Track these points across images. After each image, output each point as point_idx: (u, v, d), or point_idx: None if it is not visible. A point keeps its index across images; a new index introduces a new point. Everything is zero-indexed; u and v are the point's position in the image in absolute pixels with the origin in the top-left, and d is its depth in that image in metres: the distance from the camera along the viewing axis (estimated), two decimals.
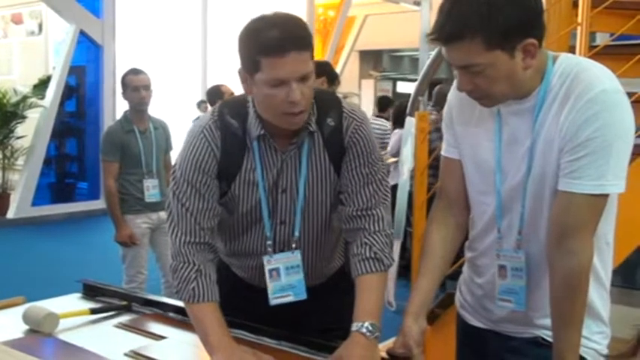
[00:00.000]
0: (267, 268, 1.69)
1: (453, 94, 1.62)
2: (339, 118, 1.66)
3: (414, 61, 17.77)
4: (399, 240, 4.74)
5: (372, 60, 17.55)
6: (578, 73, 1.39)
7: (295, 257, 1.70)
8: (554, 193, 1.42)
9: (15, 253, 6.65)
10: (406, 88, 16.83)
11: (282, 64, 1.47)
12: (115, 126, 3.96)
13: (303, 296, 1.69)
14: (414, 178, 3.37)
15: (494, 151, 1.51)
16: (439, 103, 5.27)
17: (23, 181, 8.24)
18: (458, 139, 1.61)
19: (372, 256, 1.61)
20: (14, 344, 1.62)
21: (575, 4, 2.66)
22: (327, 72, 3.68)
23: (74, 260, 6.16)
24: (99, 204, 8.77)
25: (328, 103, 1.68)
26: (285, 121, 1.56)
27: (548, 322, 1.48)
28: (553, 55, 1.45)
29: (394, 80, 18.16)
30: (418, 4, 11.50)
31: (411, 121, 4.79)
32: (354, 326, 1.53)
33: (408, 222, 4.95)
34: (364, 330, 1.51)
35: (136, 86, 3.84)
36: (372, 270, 1.61)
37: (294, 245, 1.70)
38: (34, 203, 8.27)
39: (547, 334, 1.51)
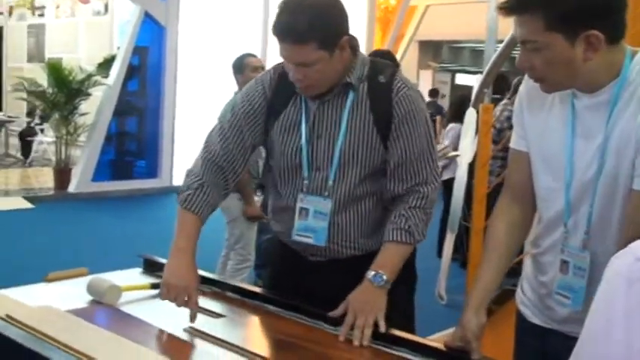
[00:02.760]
0: (298, 205, 1.80)
1: (524, 85, 1.60)
2: (390, 78, 1.75)
3: (475, 53, 17.52)
4: (454, 233, 4.69)
5: (432, 50, 17.37)
6: None
7: (326, 204, 1.78)
8: (627, 194, 1.38)
9: (76, 226, 6.86)
10: (465, 80, 16.60)
11: (282, 47, 1.67)
12: None
13: (322, 243, 1.79)
14: (475, 171, 3.32)
15: (566, 144, 1.47)
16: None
17: (85, 157, 8.45)
18: (527, 131, 1.58)
19: (406, 228, 1.72)
20: (78, 313, 1.67)
21: None
22: (388, 60, 3.68)
23: (132, 235, 6.31)
24: (156, 182, 8.98)
25: (385, 66, 1.80)
26: (299, 89, 1.74)
27: None
28: (632, 51, 1.41)
29: (453, 72, 17.94)
30: None
31: (472, 113, 4.72)
32: (366, 274, 1.68)
33: (464, 216, 4.90)
34: (372, 278, 1.68)
35: (255, 66, 4.08)
36: (401, 240, 1.72)
37: (326, 193, 1.77)
38: (94, 179, 8.48)
39: None
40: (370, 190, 1.79)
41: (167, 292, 1.70)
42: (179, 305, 1.69)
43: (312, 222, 1.78)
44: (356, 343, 1.58)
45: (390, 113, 1.73)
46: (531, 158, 1.57)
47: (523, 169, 1.59)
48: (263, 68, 4.03)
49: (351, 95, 1.75)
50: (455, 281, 4.96)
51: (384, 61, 1.84)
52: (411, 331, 1.92)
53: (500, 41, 3.42)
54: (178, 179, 8.84)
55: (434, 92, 12.78)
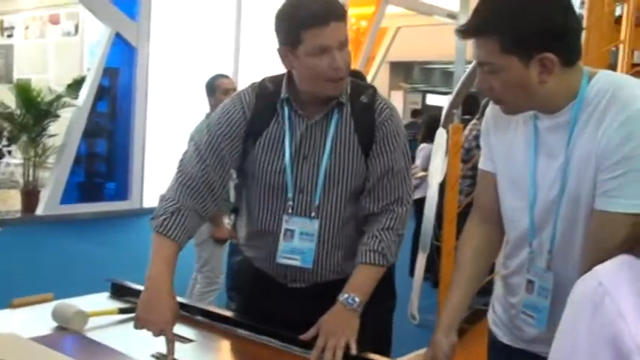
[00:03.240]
0: (283, 227, 1.76)
1: (490, 107, 1.61)
2: (372, 98, 1.77)
3: (445, 74, 17.72)
4: (425, 252, 4.70)
5: (403, 72, 17.54)
6: (615, 90, 1.36)
7: (312, 225, 1.76)
8: (589, 213, 1.39)
9: (43, 249, 6.73)
10: (436, 100, 16.77)
11: (324, 33, 1.61)
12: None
13: (309, 265, 1.76)
14: (445, 192, 3.34)
15: (529, 165, 1.49)
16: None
17: (53, 179, 8.34)
18: (493, 152, 1.59)
19: (380, 250, 1.72)
20: (43, 340, 1.62)
21: (617, 22, 2.63)
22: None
23: (100, 259, 6.21)
24: (127, 204, 8.88)
25: (364, 86, 1.81)
26: (329, 88, 1.69)
27: None
28: (590, 72, 1.43)
29: (424, 92, 18.11)
30: (452, 16, 11.49)
31: (442, 133, 4.76)
32: (339, 297, 1.67)
33: (435, 235, 4.91)
34: (344, 301, 1.66)
35: (226, 89, 4.03)
36: (374, 262, 1.72)
37: (313, 214, 1.75)
38: (63, 201, 8.36)
39: None
40: (356, 212, 1.78)
41: (141, 327, 1.62)
42: (154, 335, 1.61)
43: (298, 244, 1.75)
44: None
45: (372, 132, 1.74)
46: (498, 179, 1.58)
47: (490, 190, 1.61)
48: (234, 90, 4.02)
49: (335, 116, 1.74)
50: (427, 301, 4.95)
51: (362, 81, 1.84)
52: (388, 353, 1.92)
53: (470, 62, 3.46)
54: (149, 201, 8.79)
55: (416, 113, 12.74)
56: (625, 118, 1.32)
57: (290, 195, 1.75)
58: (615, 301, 0.69)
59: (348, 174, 1.74)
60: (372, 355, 1.60)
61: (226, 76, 4.26)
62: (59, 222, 8.04)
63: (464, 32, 1.42)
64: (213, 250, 4.08)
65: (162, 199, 1.75)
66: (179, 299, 1.95)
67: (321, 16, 1.61)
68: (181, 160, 1.80)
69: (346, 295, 1.67)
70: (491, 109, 1.60)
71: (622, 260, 0.73)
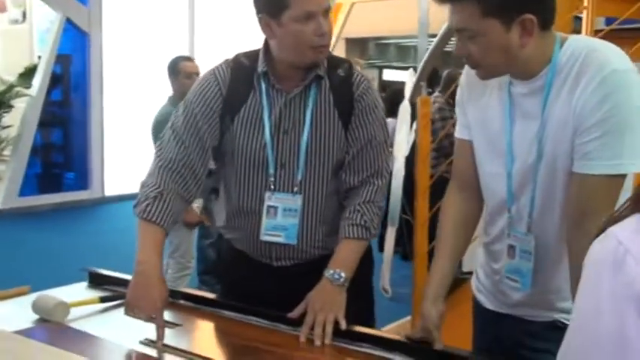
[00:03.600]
0: (265, 203, 1.75)
1: (464, 74, 1.62)
2: (349, 72, 1.76)
3: (400, 49, 17.75)
4: (394, 227, 4.74)
5: (358, 48, 17.49)
6: (588, 53, 1.38)
7: (295, 200, 1.75)
8: (567, 176, 1.42)
9: (6, 243, 6.58)
10: (393, 75, 16.81)
11: None
12: (170, 109, 3.95)
13: (293, 241, 1.76)
14: (417, 165, 3.36)
15: (505, 132, 1.50)
16: (447, 87, 5.24)
17: (10, 171, 8.13)
18: (469, 119, 1.60)
19: (362, 223, 1.72)
20: (27, 333, 1.60)
21: None
22: None
23: (67, 250, 6.10)
24: (87, 194, 8.72)
25: (339, 60, 1.80)
26: (312, 55, 1.67)
27: (567, 305, 1.48)
28: (561, 37, 1.44)
29: (380, 68, 18.13)
30: None
31: (406, 107, 4.78)
32: (325, 273, 1.67)
33: (403, 209, 4.96)
34: (329, 276, 1.66)
35: (189, 72, 3.97)
36: (358, 236, 1.72)
37: (295, 189, 1.74)
38: (22, 194, 8.17)
39: (565, 318, 1.51)
40: (338, 187, 1.78)
41: (132, 312, 1.61)
42: (144, 321, 1.60)
43: (281, 220, 1.74)
44: (317, 342, 1.57)
45: (351, 105, 1.73)
46: (475, 146, 1.60)
47: (468, 158, 1.62)
48: (197, 74, 3.95)
49: (314, 89, 1.73)
50: (398, 274, 5.01)
51: (335, 55, 1.82)
52: (374, 320, 1.93)
53: (433, 35, 3.47)
54: (110, 189, 8.64)
55: (383, 88, 12.73)
56: (600, 79, 1.34)
57: (271, 171, 1.74)
58: (637, 259, 0.70)
59: (330, 147, 1.74)
60: (361, 328, 1.61)
61: (190, 59, 4.17)
62: (20, 214, 7.86)
63: None
64: (183, 235, 4.05)
65: (143, 185, 1.72)
66: None
67: None
68: (158, 145, 1.77)
69: (332, 271, 1.67)
70: (466, 77, 1.61)
71: (637, 219, 0.74)
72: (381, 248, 4.93)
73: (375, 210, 1.75)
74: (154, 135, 3.98)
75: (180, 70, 4.02)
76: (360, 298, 1.78)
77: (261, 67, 1.73)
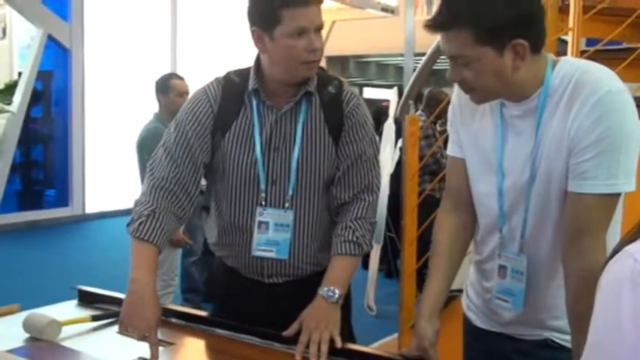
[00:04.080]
0: (257, 219, 1.75)
1: (456, 95, 1.64)
2: (339, 89, 1.78)
3: (380, 67, 17.86)
4: (379, 244, 4.76)
5: (339, 66, 17.58)
6: (581, 75, 1.41)
7: (287, 216, 1.76)
8: (560, 196, 1.44)
9: None
10: (373, 93, 16.90)
11: (304, 14, 1.62)
12: (156, 125, 3.95)
13: (285, 256, 1.77)
14: (405, 183, 3.38)
15: (497, 152, 1.52)
16: (429, 106, 5.27)
17: None
18: (461, 138, 1.62)
19: (354, 240, 1.73)
20: (18, 352, 1.58)
21: (562, 10, 2.71)
22: None
23: (51, 268, 6.03)
24: (68, 211, 8.62)
25: (329, 77, 1.82)
26: (304, 70, 1.69)
27: (558, 323, 1.50)
28: (553, 59, 1.47)
29: (360, 86, 18.23)
30: (386, 10, 11.57)
31: (390, 125, 4.82)
32: (319, 290, 1.68)
33: (388, 227, 4.98)
34: (324, 294, 1.67)
35: (181, 91, 3.98)
36: (350, 252, 1.73)
37: (287, 205, 1.75)
38: (1, 211, 8.05)
39: (557, 337, 1.52)
40: (330, 203, 1.80)
41: (126, 331, 1.61)
42: (138, 340, 1.60)
43: (273, 235, 1.75)
44: None
45: (342, 122, 1.75)
46: (467, 164, 1.61)
47: (461, 175, 1.63)
48: (187, 93, 3.96)
49: (304, 105, 1.75)
50: (382, 291, 5.02)
51: (325, 72, 1.84)
52: (353, 336, 1.94)
53: (419, 54, 3.51)
54: (91, 207, 8.57)
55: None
56: (595, 101, 1.37)
57: (263, 187, 1.75)
58: None
59: (320, 163, 1.75)
60: (356, 346, 1.62)
61: (181, 77, 4.17)
62: None
63: (433, 26, 1.43)
64: (167, 253, 4.03)
65: (137, 203, 1.73)
66: None
67: None
68: (151, 165, 1.78)
69: (326, 289, 1.68)
70: (458, 98, 1.62)
71: None
72: (365, 266, 4.95)
73: (366, 226, 1.76)
74: (138, 151, 3.97)
75: (171, 88, 4.02)
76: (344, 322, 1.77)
77: (252, 84, 1.74)
